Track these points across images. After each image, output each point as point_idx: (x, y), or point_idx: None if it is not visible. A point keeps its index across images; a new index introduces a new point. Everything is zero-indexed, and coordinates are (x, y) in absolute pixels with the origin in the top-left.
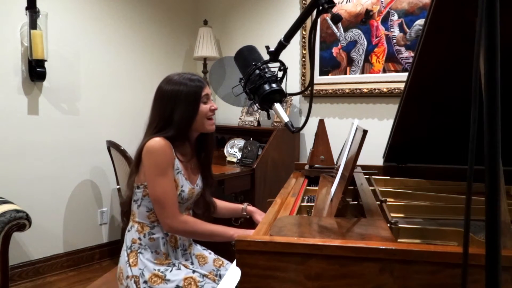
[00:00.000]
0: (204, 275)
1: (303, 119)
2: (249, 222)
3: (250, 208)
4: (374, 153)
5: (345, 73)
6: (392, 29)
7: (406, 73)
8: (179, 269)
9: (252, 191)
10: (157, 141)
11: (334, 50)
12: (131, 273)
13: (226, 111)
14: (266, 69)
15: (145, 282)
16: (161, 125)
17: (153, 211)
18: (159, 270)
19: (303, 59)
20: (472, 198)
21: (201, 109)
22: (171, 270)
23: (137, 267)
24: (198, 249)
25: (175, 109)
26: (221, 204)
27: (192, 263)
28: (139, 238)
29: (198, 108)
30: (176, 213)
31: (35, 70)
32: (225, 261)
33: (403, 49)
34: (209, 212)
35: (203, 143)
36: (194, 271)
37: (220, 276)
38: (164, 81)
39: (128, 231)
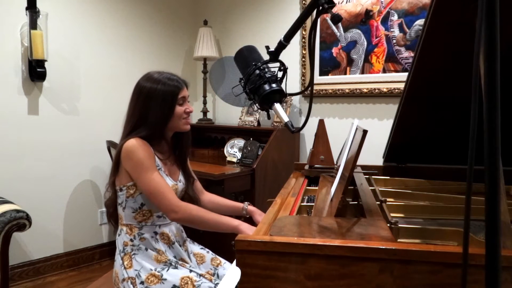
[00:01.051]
0: (201, 275)
1: (303, 119)
2: (250, 218)
3: (251, 208)
4: (374, 153)
5: (345, 73)
6: (392, 29)
7: (406, 73)
8: (176, 268)
9: (252, 191)
10: (134, 141)
11: (334, 50)
12: (126, 275)
13: (226, 111)
14: (266, 69)
15: (142, 283)
16: (136, 124)
17: (139, 211)
18: (155, 269)
19: (303, 59)
20: (472, 198)
21: (176, 111)
22: (167, 270)
23: (133, 268)
24: (196, 248)
25: (150, 108)
26: (221, 201)
27: (190, 260)
28: (131, 240)
29: (173, 110)
30: (178, 200)
31: (35, 70)
32: (223, 260)
33: (403, 49)
34: None
35: (178, 141)
36: (191, 271)
37: (218, 275)
38: (143, 77)
39: (119, 235)
